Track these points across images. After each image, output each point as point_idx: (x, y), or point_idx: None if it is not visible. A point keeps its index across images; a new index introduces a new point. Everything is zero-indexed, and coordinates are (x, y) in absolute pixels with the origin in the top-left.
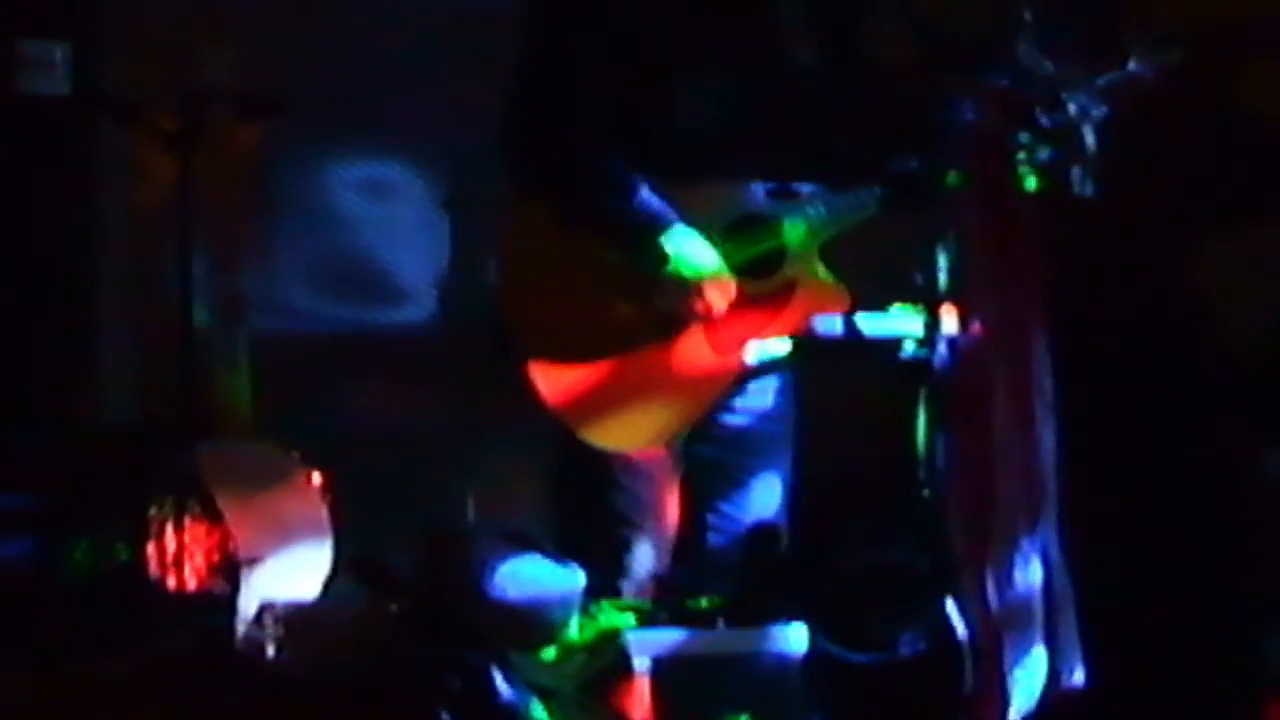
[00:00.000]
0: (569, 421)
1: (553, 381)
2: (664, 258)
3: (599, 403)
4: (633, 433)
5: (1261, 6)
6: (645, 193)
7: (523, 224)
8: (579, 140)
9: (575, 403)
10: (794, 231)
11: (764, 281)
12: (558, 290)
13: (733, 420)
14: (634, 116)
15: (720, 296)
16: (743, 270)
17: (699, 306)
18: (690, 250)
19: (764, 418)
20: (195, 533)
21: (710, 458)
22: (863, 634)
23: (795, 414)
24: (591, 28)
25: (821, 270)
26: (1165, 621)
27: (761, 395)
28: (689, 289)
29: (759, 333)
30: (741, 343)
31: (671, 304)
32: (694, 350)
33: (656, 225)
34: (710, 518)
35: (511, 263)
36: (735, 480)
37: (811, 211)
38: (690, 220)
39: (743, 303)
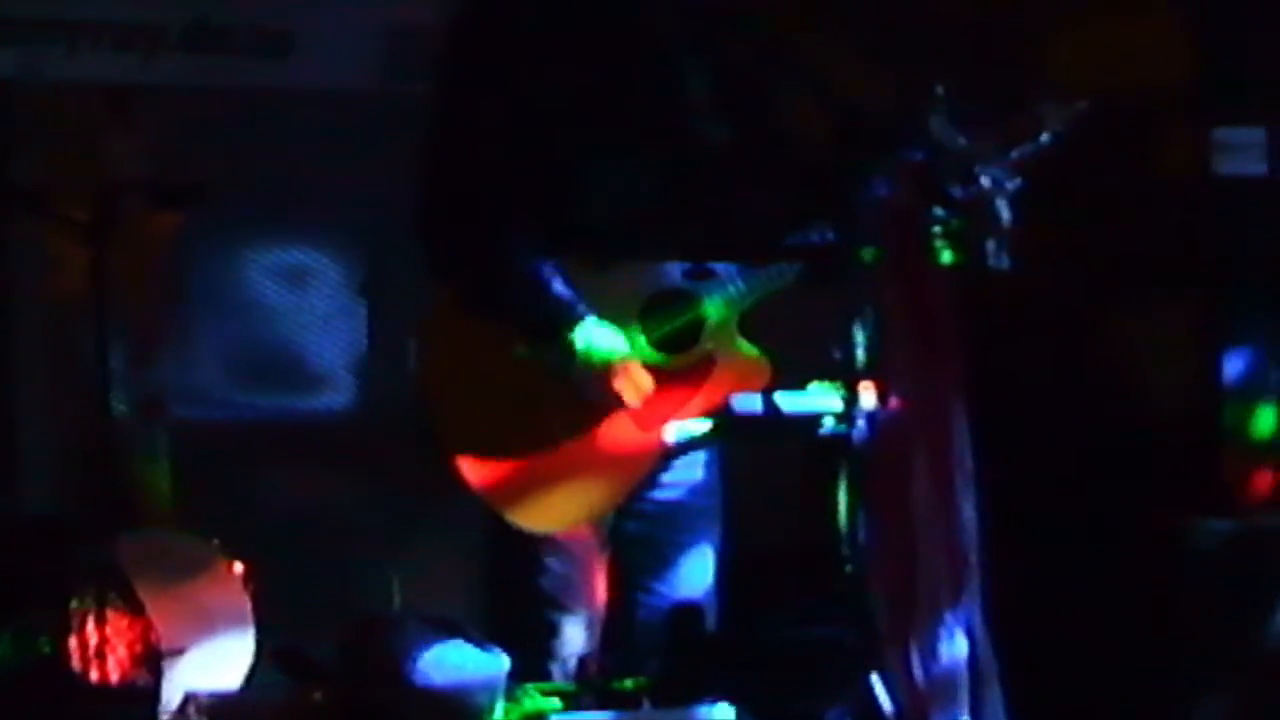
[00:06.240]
0: (495, 505)
1: (477, 466)
2: (573, 351)
3: (525, 486)
4: (560, 514)
5: (1168, 74)
6: (556, 286)
7: (442, 311)
8: (486, 235)
9: (501, 486)
10: (711, 304)
11: (684, 355)
12: (480, 377)
13: (662, 496)
14: (545, 201)
15: (632, 385)
16: (662, 345)
17: (613, 395)
18: (600, 341)
19: (694, 492)
20: (117, 625)
21: (639, 534)
22: (789, 711)
23: (724, 488)
24: (497, 112)
25: (741, 341)
26: (1092, 692)
27: (691, 469)
28: (601, 381)
29: (682, 407)
30: (666, 418)
31: (587, 396)
32: (619, 429)
33: (565, 319)
34: (641, 596)
35: (432, 350)
36: (665, 556)
37: (728, 285)
38: (606, 299)
39: (664, 378)
